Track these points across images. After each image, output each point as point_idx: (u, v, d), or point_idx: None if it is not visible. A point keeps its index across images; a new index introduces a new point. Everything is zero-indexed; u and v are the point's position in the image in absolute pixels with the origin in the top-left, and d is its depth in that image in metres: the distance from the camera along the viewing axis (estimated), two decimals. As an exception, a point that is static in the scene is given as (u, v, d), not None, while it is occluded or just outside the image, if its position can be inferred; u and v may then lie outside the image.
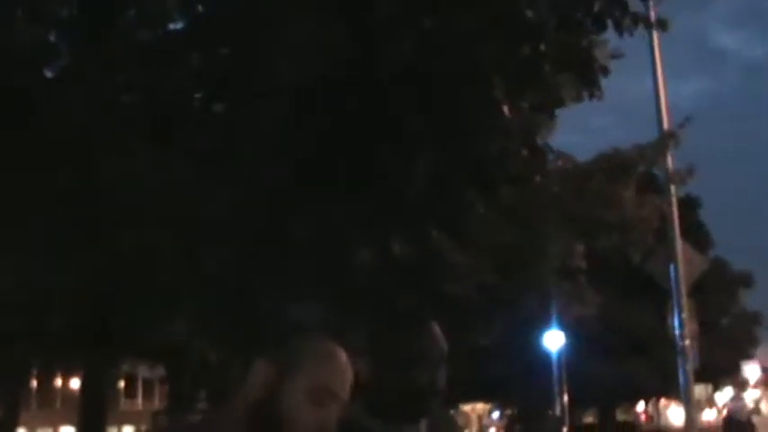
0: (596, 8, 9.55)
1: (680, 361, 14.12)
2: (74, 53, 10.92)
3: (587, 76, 10.11)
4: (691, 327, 14.31)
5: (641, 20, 9.80)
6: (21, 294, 10.60)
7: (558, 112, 11.35)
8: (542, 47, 9.42)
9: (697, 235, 34.44)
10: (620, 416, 50.94)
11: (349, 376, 1.96)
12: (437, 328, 2.40)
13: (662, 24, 10.17)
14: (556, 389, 31.02)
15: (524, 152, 10.11)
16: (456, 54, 8.82)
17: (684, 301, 14.20)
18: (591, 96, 10.20)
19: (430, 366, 2.29)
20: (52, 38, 11.01)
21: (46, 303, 11.07)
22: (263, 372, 1.92)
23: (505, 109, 9.38)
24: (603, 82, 10.46)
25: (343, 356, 1.97)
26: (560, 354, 30.44)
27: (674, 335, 14.22)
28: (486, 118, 9.42)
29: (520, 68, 9.53)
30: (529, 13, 9.32)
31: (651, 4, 10.17)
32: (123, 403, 50.06)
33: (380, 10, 8.85)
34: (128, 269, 9.93)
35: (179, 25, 11.22)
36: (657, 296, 16.69)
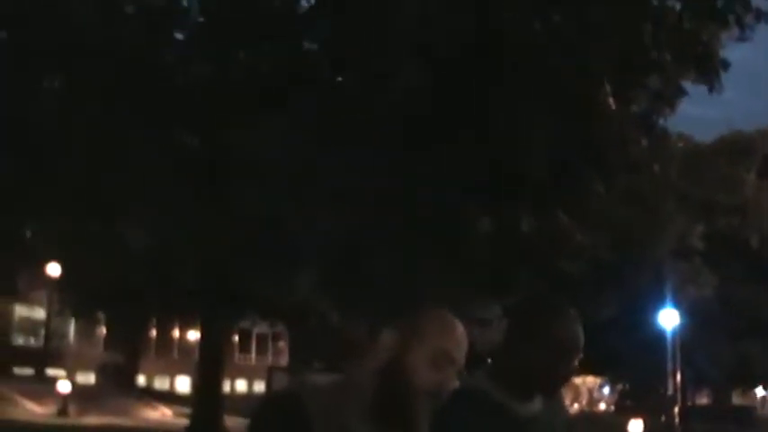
0: (719, 4, 9.47)
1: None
2: (204, 16, 11.21)
3: (706, 70, 10.00)
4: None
5: (764, 16, 9.67)
6: (151, 251, 11.20)
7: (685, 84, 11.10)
8: (663, 37, 9.41)
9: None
10: (736, 399, 49.62)
11: (465, 344, 2.25)
12: (576, 315, 2.54)
13: None
14: (669, 367, 30.57)
15: (643, 140, 10.09)
16: (578, 47, 8.90)
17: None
18: (710, 90, 10.08)
19: (573, 356, 2.47)
20: (184, 3, 11.36)
21: (174, 261, 11.63)
22: (390, 340, 2.24)
23: (618, 106, 9.41)
24: (737, 51, 10.32)
25: (460, 327, 2.26)
26: (675, 332, 29.98)
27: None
28: (602, 110, 9.49)
29: (637, 63, 9.55)
30: (654, 2, 9.31)
31: None
32: (237, 358, 51.22)
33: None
34: (251, 230, 10.37)
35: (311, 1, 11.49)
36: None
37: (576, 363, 2.46)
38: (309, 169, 9.46)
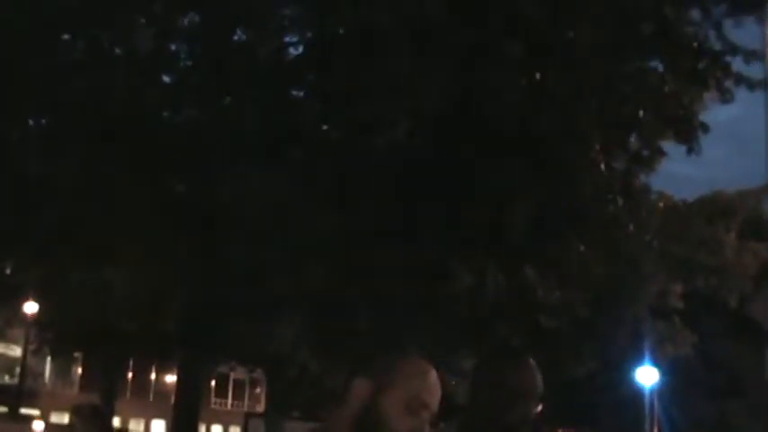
0: (700, 66, 9.66)
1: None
2: (192, 63, 11.30)
3: (685, 132, 10.16)
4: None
5: (743, 81, 9.85)
6: (135, 296, 11.19)
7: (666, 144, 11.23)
8: (644, 97, 9.57)
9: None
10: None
11: (438, 390, 2.30)
12: (534, 364, 2.63)
13: (763, 84, 10.21)
14: (647, 425, 30.53)
15: (620, 200, 10.21)
16: (556, 114, 9.04)
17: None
18: (689, 152, 10.23)
19: (527, 402, 2.54)
20: (173, 47, 11.44)
21: (157, 306, 11.63)
22: (362, 388, 2.28)
23: (602, 166, 9.56)
24: (720, 111, 10.48)
25: (433, 373, 2.32)
26: (653, 390, 29.97)
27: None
28: (584, 169, 9.62)
29: (618, 123, 9.70)
30: (630, 69, 9.49)
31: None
32: (213, 402, 50.87)
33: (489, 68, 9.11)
34: (236, 279, 10.39)
35: (298, 50, 11.60)
36: (759, 339, 16.43)
37: (536, 410, 2.53)
38: (294, 220, 9.50)
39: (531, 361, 2.63)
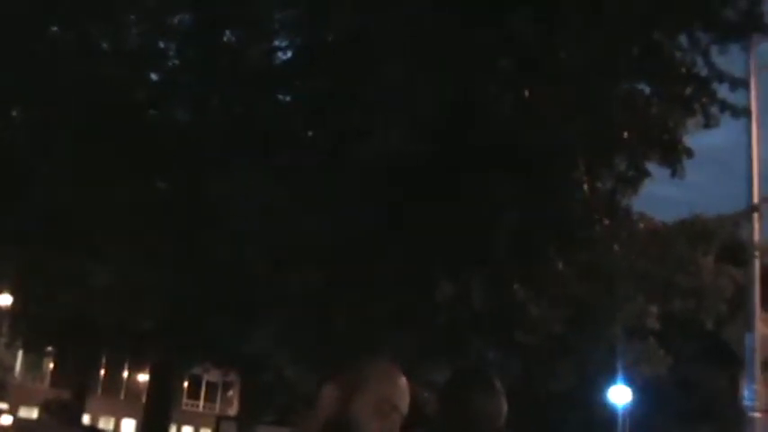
0: (687, 91, 9.77)
1: (749, 433, 13.97)
2: (181, 61, 11.30)
3: (670, 156, 10.27)
4: (763, 399, 14.13)
5: (728, 108, 9.98)
6: (115, 293, 11.15)
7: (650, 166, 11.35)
8: (630, 118, 9.67)
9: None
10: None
11: (407, 394, 2.33)
12: (501, 389, 2.73)
13: (747, 112, 10.35)
14: (618, 445, 30.66)
15: (605, 220, 10.30)
16: (543, 131, 9.11)
17: (758, 371, 14.07)
18: (673, 174, 10.33)
19: (491, 423, 2.63)
20: (161, 44, 11.41)
21: (137, 303, 11.58)
22: (332, 393, 2.31)
23: (585, 185, 9.65)
24: (704, 137, 10.59)
25: (403, 378, 2.35)
26: (626, 410, 30.11)
27: (745, 405, 14.07)
28: (569, 189, 9.70)
29: (605, 143, 9.79)
30: (618, 90, 9.59)
31: (752, 93, 10.32)
32: (185, 404, 50.68)
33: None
34: (218, 281, 10.38)
35: (287, 54, 11.63)
36: (732, 363, 16.49)
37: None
38: (278, 223, 9.52)
39: (498, 385, 2.74)
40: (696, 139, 10.76)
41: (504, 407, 2.73)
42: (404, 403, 2.31)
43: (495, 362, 11.61)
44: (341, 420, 2.24)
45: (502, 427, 2.70)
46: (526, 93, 9.41)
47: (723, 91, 10.11)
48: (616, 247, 10.54)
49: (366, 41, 9.32)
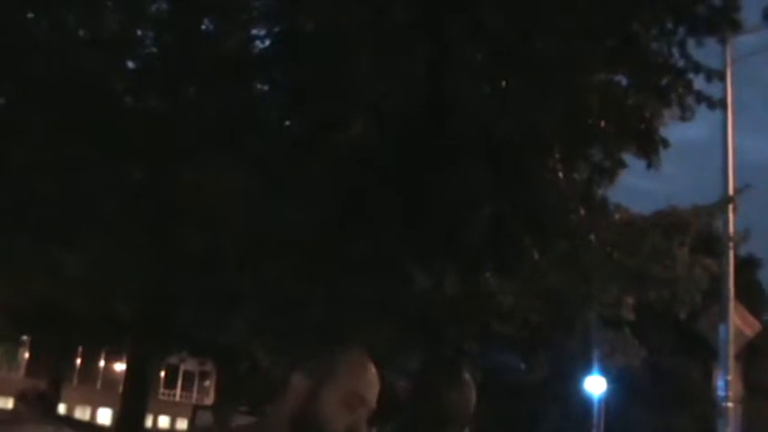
0: (663, 82, 9.80)
1: (721, 423, 14.02)
2: (158, 49, 11.23)
3: (646, 147, 10.31)
4: (736, 389, 14.21)
5: (704, 99, 10.03)
6: (89, 280, 11.08)
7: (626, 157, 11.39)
8: (607, 109, 9.70)
9: (753, 297, 33.99)
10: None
11: (377, 386, 2.30)
12: (470, 382, 2.74)
13: (723, 104, 10.41)
14: (593, 434, 30.86)
15: (581, 210, 10.33)
16: (518, 121, 9.12)
17: (731, 362, 14.15)
18: (649, 166, 10.38)
19: (458, 420, 2.65)
20: (138, 31, 11.33)
21: (111, 291, 11.52)
22: (299, 383, 2.28)
23: (561, 175, 9.66)
24: (679, 129, 10.65)
25: (372, 368, 2.32)
26: (601, 400, 30.30)
27: (718, 396, 14.15)
28: (545, 177, 9.72)
29: (581, 133, 9.81)
30: (594, 80, 9.61)
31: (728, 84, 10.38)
32: (162, 393, 50.58)
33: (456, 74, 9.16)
34: (191, 270, 10.34)
35: (265, 43, 11.57)
36: (706, 354, 16.57)
37: (465, 429, 2.66)
38: (251, 212, 9.49)
39: (467, 377, 2.76)
40: (672, 132, 10.83)
41: (473, 397, 2.75)
42: (372, 395, 2.27)
43: (471, 352, 11.63)
44: (308, 412, 2.21)
45: (470, 416, 2.71)
46: (503, 83, 9.41)
47: (699, 82, 10.17)
48: (592, 237, 10.57)
49: (338, 32, 9.29)
